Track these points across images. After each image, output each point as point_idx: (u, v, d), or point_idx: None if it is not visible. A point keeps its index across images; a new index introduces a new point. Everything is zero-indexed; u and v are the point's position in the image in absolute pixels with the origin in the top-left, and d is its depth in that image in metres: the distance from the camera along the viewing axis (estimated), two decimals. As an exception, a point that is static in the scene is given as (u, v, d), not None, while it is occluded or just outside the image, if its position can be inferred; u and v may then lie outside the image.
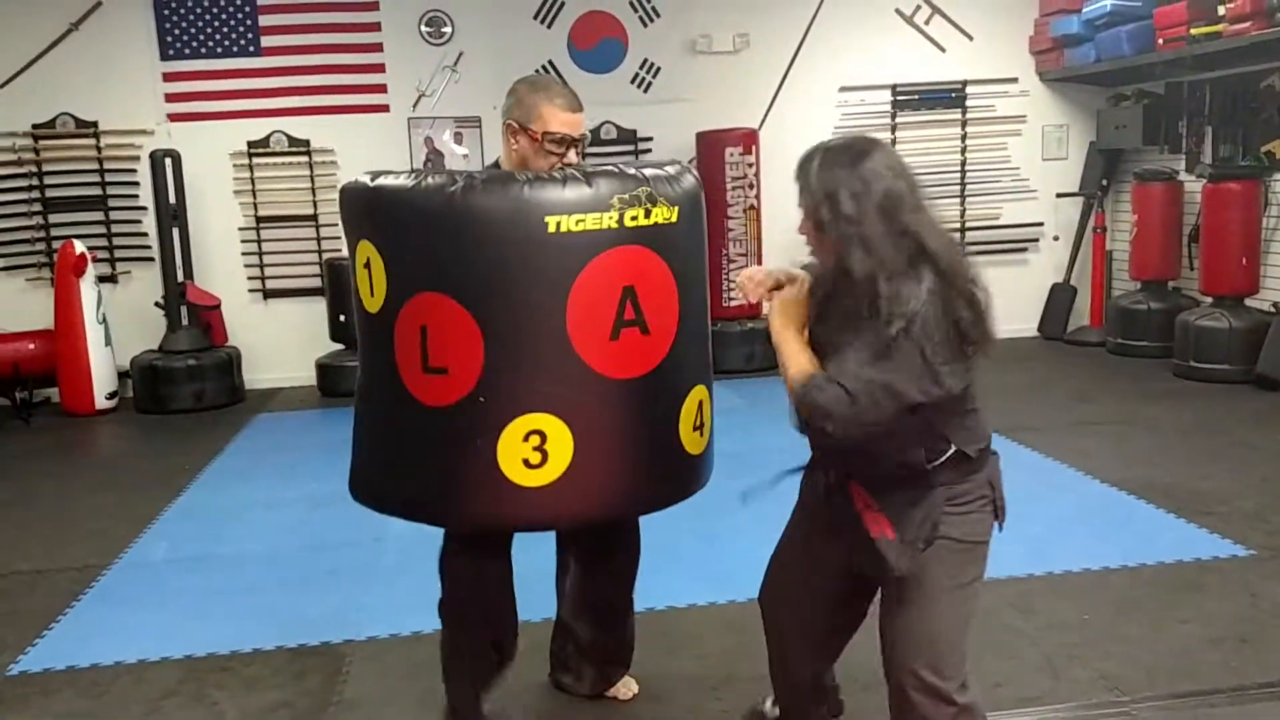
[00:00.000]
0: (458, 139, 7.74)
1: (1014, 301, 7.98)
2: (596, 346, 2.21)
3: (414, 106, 7.66)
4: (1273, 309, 6.51)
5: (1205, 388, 6.26)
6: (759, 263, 7.44)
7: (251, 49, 7.42)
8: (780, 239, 7.69)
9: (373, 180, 2.29)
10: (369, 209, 2.31)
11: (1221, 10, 6.30)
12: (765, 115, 7.90)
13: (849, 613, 2.28)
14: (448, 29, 7.61)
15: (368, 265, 2.29)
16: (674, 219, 2.30)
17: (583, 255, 2.17)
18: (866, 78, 7.99)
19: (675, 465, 2.43)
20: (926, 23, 8.04)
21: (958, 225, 8.12)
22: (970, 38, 8.06)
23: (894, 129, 8.04)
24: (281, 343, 7.65)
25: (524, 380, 2.19)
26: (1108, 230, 8.04)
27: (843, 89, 8.00)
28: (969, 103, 8.10)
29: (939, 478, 2.00)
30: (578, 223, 2.15)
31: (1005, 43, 8.10)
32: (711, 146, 7.45)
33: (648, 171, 2.29)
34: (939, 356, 1.87)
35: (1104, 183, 8.05)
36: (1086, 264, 8.17)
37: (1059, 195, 8.21)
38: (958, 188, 8.15)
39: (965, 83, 8.08)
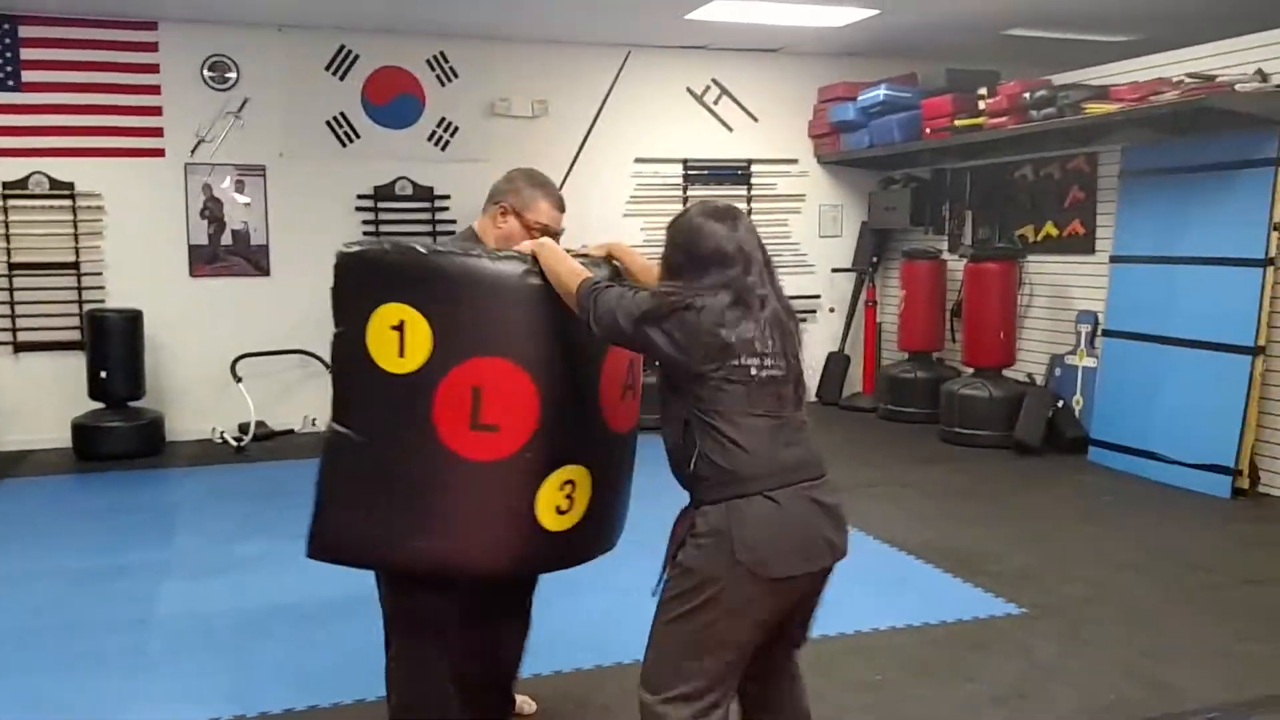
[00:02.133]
0: (239, 187, 7.39)
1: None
2: (612, 405, 2.54)
3: (192, 152, 7.27)
4: (1028, 379, 7.11)
5: (969, 452, 6.74)
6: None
7: (11, 83, 6.85)
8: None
9: (428, 251, 2.38)
10: (419, 276, 2.37)
11: (982, 105, 6.92)
12: (563, 181, 7.98)
13: None
14: (232, 74, 7.29)
15: (399, 328, 2.36)
16: None
17: None
18: (660, 151, 8.25)
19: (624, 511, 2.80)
20: (716, 103, 8.41)
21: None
22: (755, 119, 8.48)
23: (685, 202, 8.31)
24: (34, 400, 6.99)
25: (567, 436, 2.44)
26: (878, 303, 8.58)
27: (638, 160, 8.22)
28: (754, 180, 8.50)
29: (698, 494, 2.19)
30: None
31: (787, 126, 8.58)
32: (509, 209, 7.44)
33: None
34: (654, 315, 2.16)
35: (874, 259, 8.61)
36: (859, 334, 8.68)
37: (834, 270, 8.71)
38: (744, 259, 8.47)
39: (750, 161, 8.48)
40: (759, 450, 2.14)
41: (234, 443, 7.00)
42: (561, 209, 2.76)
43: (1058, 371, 7.01)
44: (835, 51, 8.43)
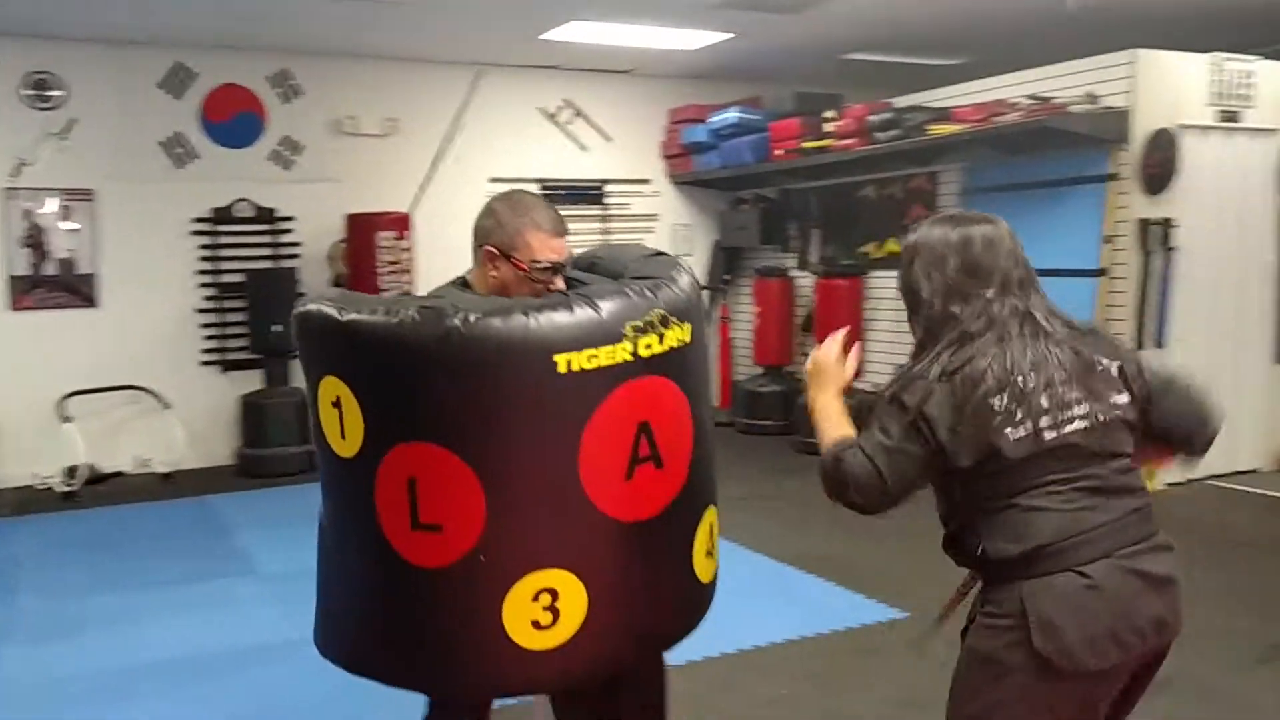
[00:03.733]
0: (64, 213, 6.89)
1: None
2: (611, 489, 1.96)
3: (12, 175, 6.73)
4: (874, 391, 7.36)
5: (829, 463, 6.91)
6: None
7: None
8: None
9: (341, 312, 1.93)
10: (338, 344, 1.97)
11: (829, 127, 7.15)
12: (416, 199, 7.81)
13: None
14: (56, 92, 6.80)
15: (337, 404, 1.96)
16: (688, 339, 2.06)
17: (596, 395, 1.91)
18: (515, 170, 8.15)
19: (690, 598, 2.21)
20: (569, 123, 8.40)
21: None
22: (609, 139, 8.51)
23: (540, 220, 8.25)
24: None
25: (532, 534, 1.92)
26: (731, 320, 8.75)
27: (493, 179, 8.09)
28: (608, 200, 8.52)
29: (986, 573, 1.88)
30: (590, 359, 1.89)
31: (640, 146, 8.65)
32: (362, 229, 7.21)
33: (656, 286, 2.03)
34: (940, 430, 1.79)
35: (726, 277, 8.77)
36: (713, 350, 8.81)
37: (690, 288, 8.81)
38: (600, 278, 8.49)
39: (604, 181, 8.51)
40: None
41: (63, 488, 6.49)
42: (561, 232, 2.21)
43: (907, 382, 7.28)
44: (685, 74, 8.56)
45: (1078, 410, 1.81)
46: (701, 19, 6.79)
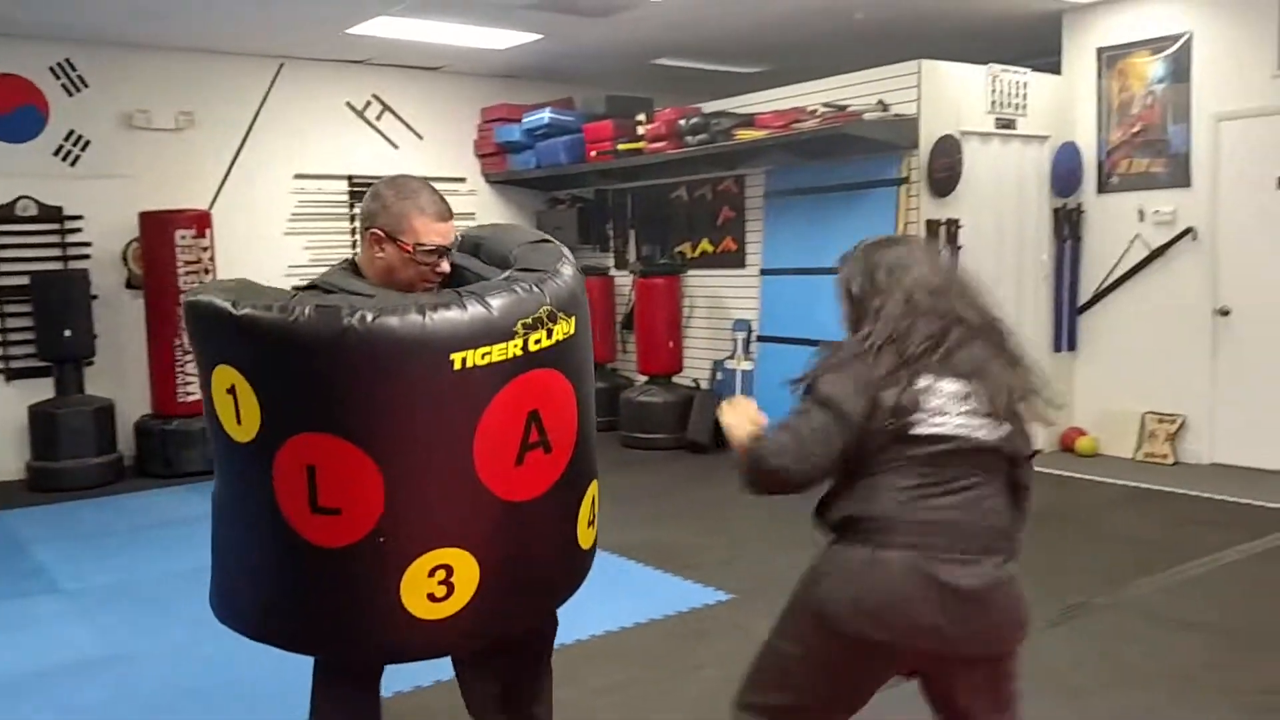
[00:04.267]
0: None
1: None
2: (502, 473, 2.07)
3: None
4: (694, 384, 7.62)
5: (650, 454, 7.12)
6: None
7: None
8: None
9: (235, 306, 1.97)
10: (232, 336, 2.00)
11: (641, 130, 7.33)
12: (216, 196, 7.49)
13: None
14: None
15: (232, 391, 2.01)
16: (572, 330, 2.17)
17: (490, 389, 2.01)
18: (322, 166, 7.97)
19: (574, 564, 2.37)
20: (378, 118, 8.25)
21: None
22: (420, 137, 8.42)
23: (352, 219, 8.09)
24: None
25: (429, 517, 2.03)
26: (551, 318, 8.81)
27: (298, 175, 7.87)
28: (421, 197, 8.41)
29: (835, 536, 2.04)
30: (483, 356, 1.98)
31: (453, 144, 8.60)
32: (159, 228, 6.86)
33: (542, 280, 2.12)
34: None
35: (544, 275, 8.82)
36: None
37: (507, 286, 8.83)
38: (415, 278, 8.39)
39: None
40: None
41: None
42: (445, 217, 2.26)
43: (720, 375, 7.57)
44: (496, 73, 8.57)
45: (963, 418, 1.96)
46: (509, 19, 6.83)
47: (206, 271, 6.98)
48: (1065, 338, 7.00)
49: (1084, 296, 6.99)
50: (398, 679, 3.04)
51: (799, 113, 6.38)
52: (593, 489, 2.38)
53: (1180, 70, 6.38)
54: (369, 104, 8.21)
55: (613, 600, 4.28)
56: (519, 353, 2.04)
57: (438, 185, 2.36)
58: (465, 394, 2.00)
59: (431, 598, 2.04)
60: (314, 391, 1.96)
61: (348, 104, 8.11)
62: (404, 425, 1.97)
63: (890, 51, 6.86)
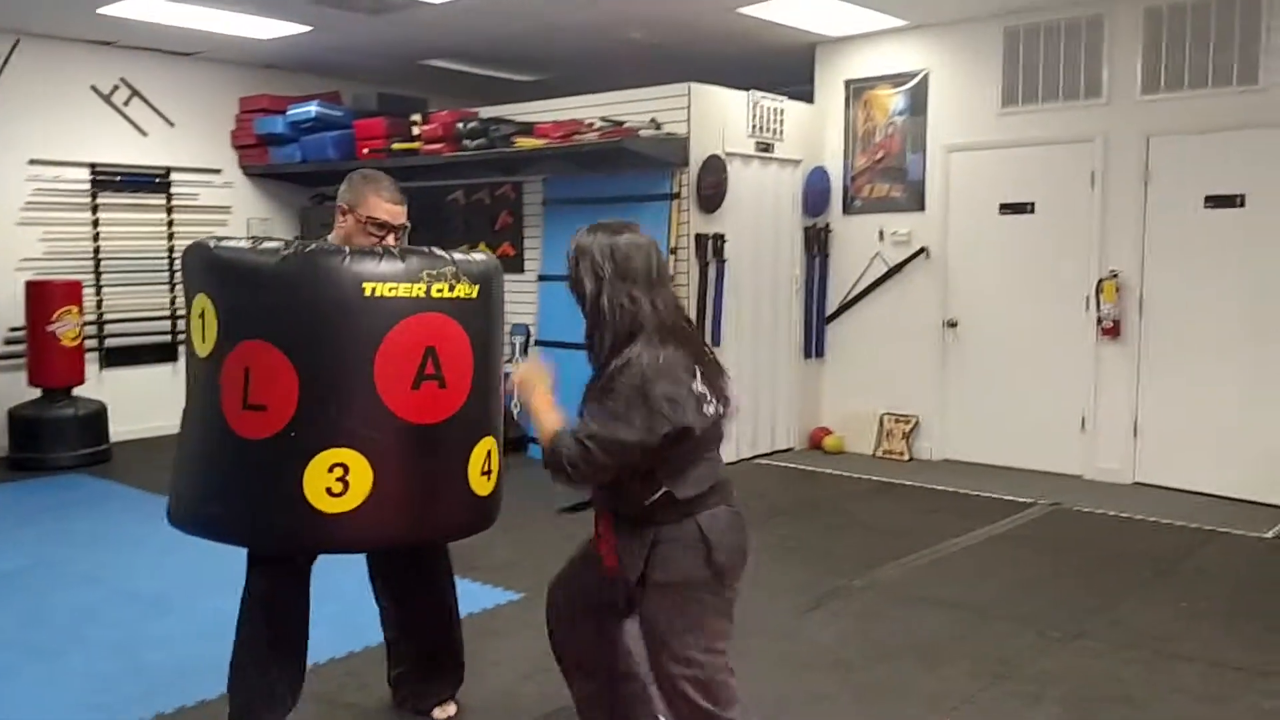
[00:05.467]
0: None
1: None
2: (400, 394, 2.56)
3: None
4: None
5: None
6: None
7: None
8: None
9: (215, 243, 2.63)
10: (209, 266, 2.63)
11: (416, 130, 7.28)
12: (-63, 182, 6.78)
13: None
14: None
15: (202, 315, 2.62)
16: (474, 295, 2.71)
17: (392, 317, 2.54)
18: (62, 152, 7.37)
19: (464, 501, 2.80)
20: (126, 104, 7.73)
21: (168, 313, 7.91)
22: (172, 124, 7.95)
23: (95, 209, 7.54)
24: None
25: (332, 419, 2.51)
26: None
27: (34, 162, 7.25)
28: (174, 189, 7.96)
29: (655, 516, 2.31)
30: (390, 289, 2.53)
31: (208, 134, 8.18)
32: None
33: (456, 255, 2.70)
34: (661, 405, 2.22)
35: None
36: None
37: (268, 286, 8.49)
38: (167, 274, 7.92)
39: (169, 169, 7.93)
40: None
41: None
42: (396, 202, 2.85)
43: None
44: (255, 62, 8.23)
45: (721, 397, 2.41)
46: (279, 9, 6.62)
47: (-73, 262, 6.33)
48: (815, 345, 7.56)
49: (830, 308, 7.58)
50: (328, 646, 3.48)
51: (577, 124, 6.55)
52: (489, 443, 2.84)
53: (918, 104, 7.07)
54: (116, 88, 7.67)
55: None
56: (421, 294, 2.59)
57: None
58: (371, 316, 2.52)
59: (330, 492, 2.51)
60: (256, 305, 2.54)
61: (92, 87, 7.54)
62: (319, 336, 2.50)
63: (658, 72, 7.17)
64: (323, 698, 3.35)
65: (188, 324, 2.70)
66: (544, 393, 2.45)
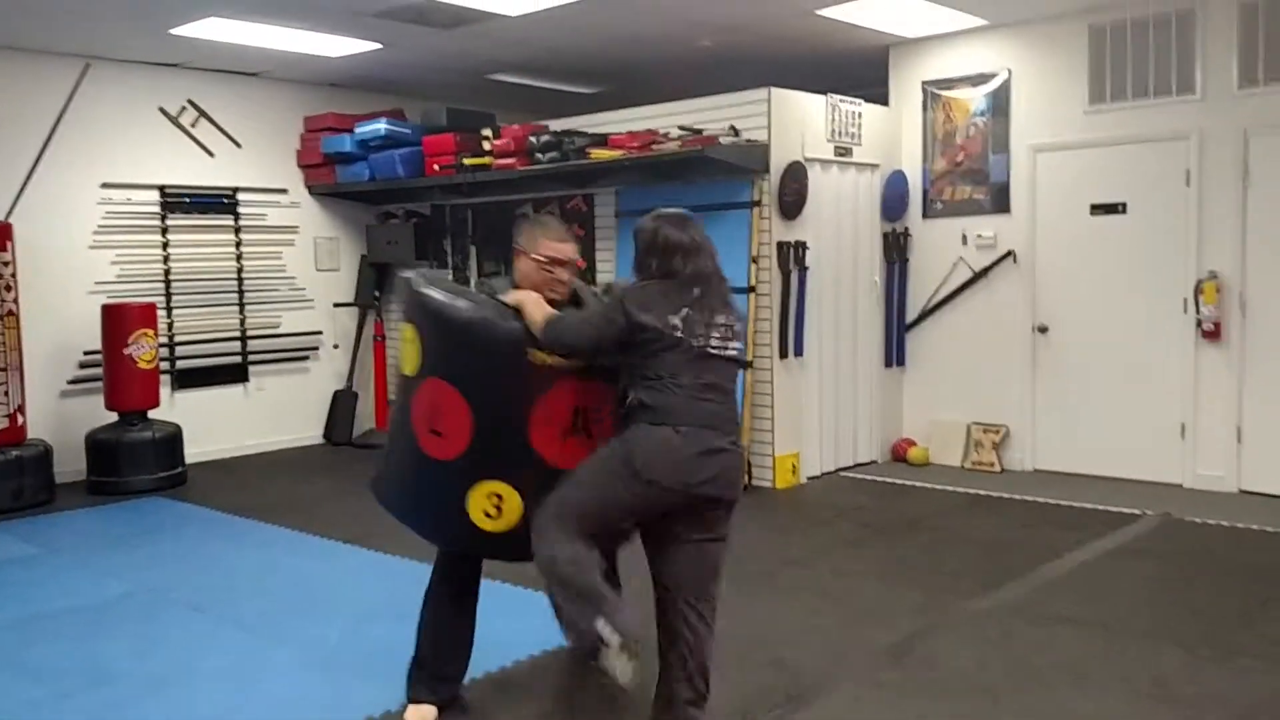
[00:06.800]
0: None
1: (298, 410, 8.04)
2: (547, 444, 2.97)
3: None
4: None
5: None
6: (20, 378, 6.35)
7: None
8: (47, 348, 6.68)
9: (421, 287, 3.04)
10: (415, 304, 3.05)
11: (487, 145, 7.19)
12: (13, 206, 6.77)
13: None
14: None
15: (410, 342, 3.09)
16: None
17: (549, 381, 2.97)
18: (132, 175, 7.36)
19: None
20: (193, 125, 7.71)
21: (238, 334, 7.87)
22: (239, 145, 7.93)
23: (164, 231, 7.51)
24: None
25: (496, 458, 2.98)
26: (386, 338, 8.49)
27: (105, 184, 7.24)
28: (241, 210, 7.94)
29: (634, 417, 2.87)
30: (551, 357, 2.94)
31: (274, 154, 8.15)
32: (-51, 241, 6.16)
33: None
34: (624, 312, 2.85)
35: (377, 294, 8.50)
36: (367, 370, 8.51)
37: (336, 305, 8.45)
38: (235, 295, 7.89)
39: (236, 190, 7.90)
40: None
41: None
42: (563, 240, 3.19)
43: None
44: (319, 81, 8.20)
45: (715, 335, 2.92)
46: (353, 26, 6.57)
47: (9, 289, 6.30)
48: (895, 354, 7.39)
49: (911, 315, 7.41)
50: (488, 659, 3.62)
51: (653, 134, 6.44)
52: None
53: (1000, 105, 6.90)
54: (184, 109, 7.65)
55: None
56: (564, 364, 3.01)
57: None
58: (533, 379, 2.95)
59: (487, 514, 2.99)
60: (447, 350, 2.99)
61: (160, 109, 7.53)
62: (493, 390, 2.96)
63: (720, 79, 7.03)
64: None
65: (400, 341, 3.20)
66: (537, 299, 2.97)
